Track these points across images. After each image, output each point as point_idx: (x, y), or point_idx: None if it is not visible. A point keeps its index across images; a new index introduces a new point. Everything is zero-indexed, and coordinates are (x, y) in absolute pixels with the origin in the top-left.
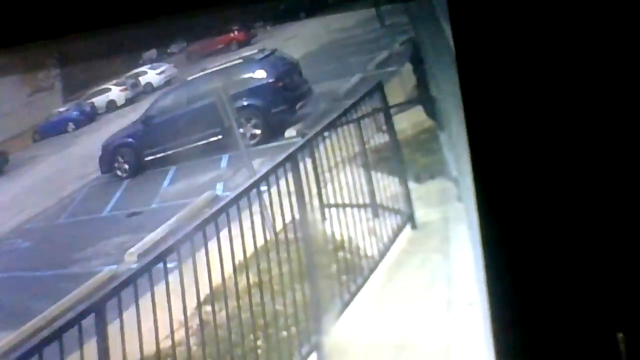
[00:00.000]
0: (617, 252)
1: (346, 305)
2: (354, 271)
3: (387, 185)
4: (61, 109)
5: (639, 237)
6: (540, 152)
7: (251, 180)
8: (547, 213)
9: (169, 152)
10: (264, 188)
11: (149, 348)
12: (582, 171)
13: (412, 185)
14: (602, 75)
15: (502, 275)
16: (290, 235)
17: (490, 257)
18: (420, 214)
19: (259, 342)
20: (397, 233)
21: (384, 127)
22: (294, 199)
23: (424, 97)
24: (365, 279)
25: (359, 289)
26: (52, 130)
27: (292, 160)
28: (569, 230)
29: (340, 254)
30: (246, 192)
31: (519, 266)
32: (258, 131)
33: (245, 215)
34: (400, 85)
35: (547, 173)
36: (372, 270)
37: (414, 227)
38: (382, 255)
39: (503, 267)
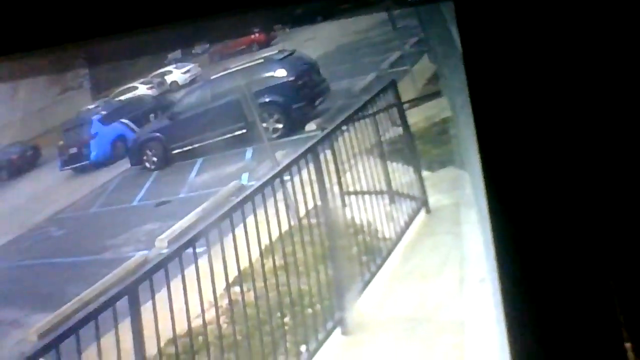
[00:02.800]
0: (624, 247)
1: (367, 283)
2: (373, 252)
3: (402, 174)
4: (90, 106)
5: None
6: (545, 138)
7: (275, 170)
8: (554, 198)
9: (195, 145)
10: (287, 177)
11: (181, 327)
12: (584, 157)
13: (425, 173)
14: (604, 74)
15: (511, 253)
16: (313, 221)
17: (499, 237)
18: (433, 199)
19: (286, 319)
20: (412, 217)
21: (398, 121)
22: (315, 187)
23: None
24: (384, 260)
25: (378, 268)
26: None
27: (313, 151)
28: (576, 217)
29: (360, 237)
30: (270, 181)
31: (527, 245)
32: (280, 125)
33: (270, 203)
34: (411, 82)
35: (553, 158)
36: (390, 252)
37: (428, 211)
38: (399, 237)
39: (512, 246)
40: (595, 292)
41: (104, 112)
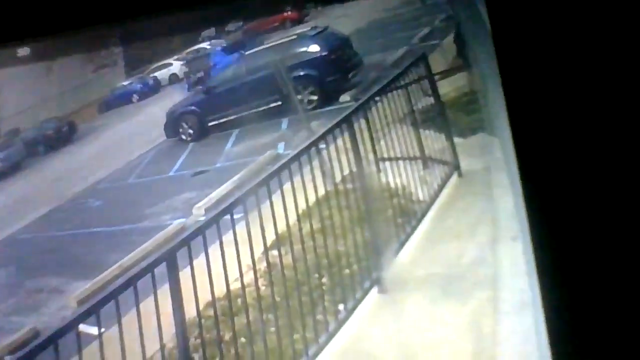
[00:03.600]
0: None
1: (402, 244)
2: (408, 214)
3: (434, 141)
4: (125, 83)
5: None
6: (571, 107)
7: (311, 139)
8: (578, 160)
9: (231, 117)
10: (322, 146)
11: (220, 290)
12: (609, 125)
13: (456, 139)
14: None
15: (541, 213)
16: (349, 186)
17: (530, 197)
18: (465, 163)
19: (324, 280)
20: (445, 180)
21: (429, 91)
22: (350, 155)
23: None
24: (419, 221)
25: (413, 229)
26: (117, 102)
27: (347, 121)
28: (603, 179)
29: (395, 200)
30: (306, 149)
31: (555, 204)
32: (315, 97)
33: (306, 170)
34: (442, 56)
35: (577, 123)
36: (424, 213)
37: (460, 175)
38: (433, 200)
39: (542, 206)
40: (622, 253)
41: (224, 45)
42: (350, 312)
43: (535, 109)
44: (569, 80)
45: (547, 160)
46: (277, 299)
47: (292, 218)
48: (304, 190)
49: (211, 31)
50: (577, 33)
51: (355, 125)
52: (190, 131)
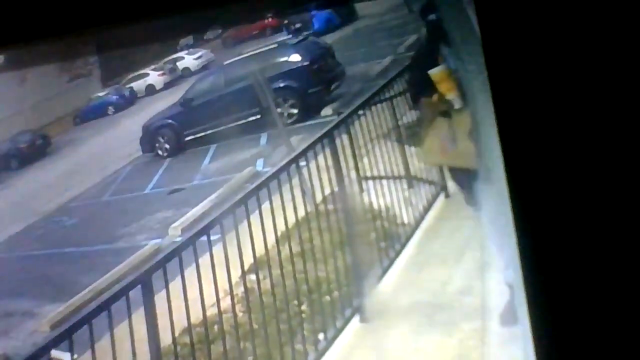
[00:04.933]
0: None
1: (385, 270)
2: (391, 238)
3: (420, 158)
4: (101, 94)
5: None
6: (566, 125)
7: (291, 156)
8: (576, 188)
9: (209, 132)
10: (302, 163)
11: (196, 316)
12: (603, 140)
13: None
14: (628, 61)
15: (531, 240)
16: (330, 207)
17: (520, 223)
18: (451, 184)
19: (303, 307)
20: (431, 202)
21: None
22: (332, 172)
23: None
24: (403, 245)
25: (397, 254)
26: (92, 114)
27: (329, 136)
28: (599, 206)
29: (378, 222)
30: (286, 167)
31: (547, 231)
32: (295, 110)
33: (286, 189)
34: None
35: (574, 144)
36: (408, 237)
37: (447, 196)
38: (418, 222)
39: (532, 232)
40: (614, 273)
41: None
42: (330, 341)
43: (527, 126)
44: (567, 97)
45: (539, 182)
46: (255, 326)
47: (271, 240)
48: (283, 211)
49: (189, 39)
50: (576, 42)
51: (337, 141)
52: (167, 146)
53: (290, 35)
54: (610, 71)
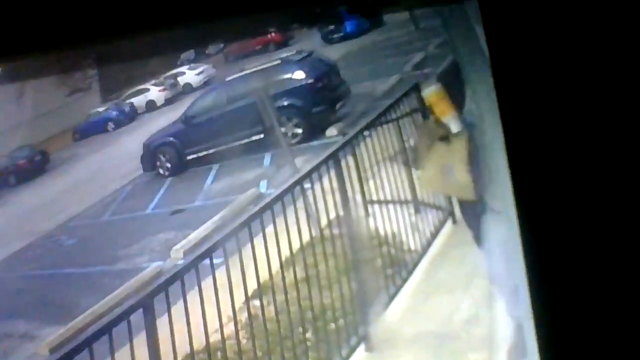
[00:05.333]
0: None
1: (392, 297)
2: (398, 265)
3: None
4: (100, 109)
5: None
6: (576, 142)
7: (295, 178)
8: (587, 207)
9: (211, 151)
10: (307, 185)
11: (199, 342)
12: (613, 157)
13: None
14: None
15: (540, 264)
16: (335, 231)
17: (528, 247)
18: (459, 209)
19: (308, 335)
20: (438, 228)
21: None
22: (337, 196)
23: None
24: (410, 273)
25: (404, 282)
26: (92, 130)
27: (334, 158)
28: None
29: (385, 248)
30: (290, 189)
31: (556, 255)
32: (299, 130)
33: (290, 212)
34: None
35: (585, 166)
36: (415, 264)
37: (454, 221)
38: (425, 249)
39: (541, 258)
40: (629, 311)
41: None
42: None
43: (538, 148)
44: (577, 115)
45: (548, 205)
46: (259, 353)
47: (275, 265)
48: (287, 235)
49: (190, 54)
50: (585, 59)
51: (343, 163)
52: (168, 165)
53: (294, 51)
54: (627, 91)
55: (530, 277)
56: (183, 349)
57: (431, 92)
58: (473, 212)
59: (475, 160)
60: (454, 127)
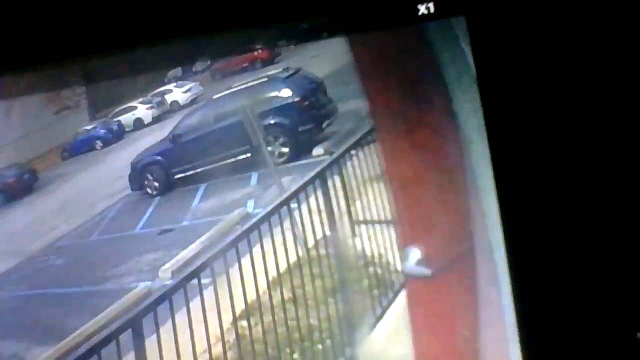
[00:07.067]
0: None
1: (379, 318)
2: (385, 286)
3: None
4: (88, 127)
5: None
6: (563, 162)
7: (282, 198)
8: (572, 226)
9: (198, 170)
10: (294, 205)
11: None
12: (600, 171)
13: None
14: (625, 90)
15: (526, 280)
16: (322, 252)
17: (514, 273)
18: None
19: (295, 355)
20: None
21: None
22: (324, 216)
23: None
24: (397, 293)
25: (390, 302)
26: (80, 148)
27: (321, 177)
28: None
29: (371, 269)
30: (277, 209)
31: (541, 271)
32: (286, 149)
33: (277, 232)
34: None
35: (571, 186)
36: (403, 285)
37: None
38: None
39: (527, 274)
40: (608, 282)
41: None
42: None
43: (524, 165)
44: (565, 132)
45: (534, 224)
46: None
47: (263, 285)
48: (274, 255)
49: (177, 71)
50: (573, 75)
51: (329, 182)
52: (156, 184)
53: (281, 69)
54: (615, 110)
55: (513, 283)
56: None
57: None
58: None
59: None
60: None
